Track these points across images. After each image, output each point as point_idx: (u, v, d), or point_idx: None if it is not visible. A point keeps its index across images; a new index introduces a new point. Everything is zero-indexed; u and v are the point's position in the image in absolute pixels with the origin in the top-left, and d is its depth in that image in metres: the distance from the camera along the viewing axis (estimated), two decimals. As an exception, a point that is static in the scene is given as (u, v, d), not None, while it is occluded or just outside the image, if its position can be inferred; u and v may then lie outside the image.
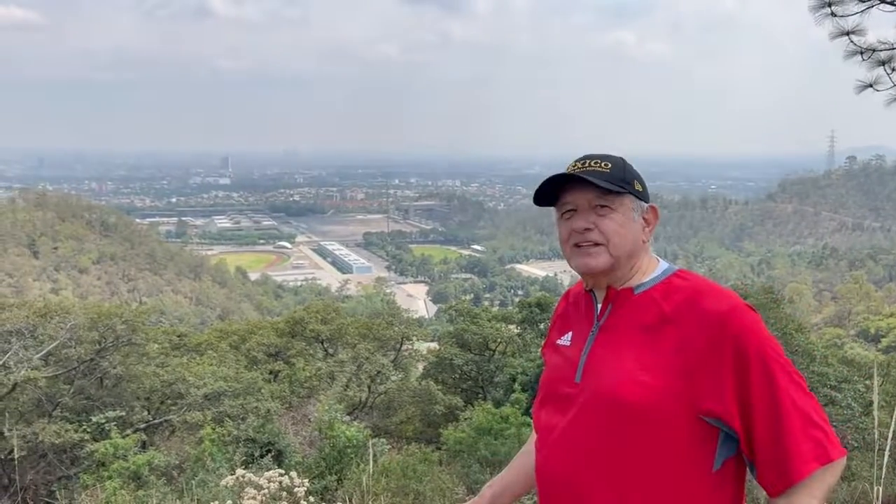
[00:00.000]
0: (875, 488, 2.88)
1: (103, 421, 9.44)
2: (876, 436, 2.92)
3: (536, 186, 1.65)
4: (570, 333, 1.70)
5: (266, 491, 3.09)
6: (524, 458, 1.95)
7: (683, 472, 1.47)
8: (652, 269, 1.63)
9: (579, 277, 1.74)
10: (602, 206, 1.58)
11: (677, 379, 1.46)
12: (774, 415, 1.43)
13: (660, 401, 1.46)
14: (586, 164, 1.60)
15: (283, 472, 3.26)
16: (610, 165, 1.60)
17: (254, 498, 3.02)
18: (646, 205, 1.64)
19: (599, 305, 1.65)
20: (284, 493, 3.16)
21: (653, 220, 1.65)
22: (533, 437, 1.93)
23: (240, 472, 3.32)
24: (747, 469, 1.54)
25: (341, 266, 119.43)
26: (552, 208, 1.68)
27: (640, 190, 1.63)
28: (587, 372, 1.58)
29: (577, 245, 1.61)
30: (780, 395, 1.44)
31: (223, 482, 3.25)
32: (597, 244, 1.58)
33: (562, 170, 1.65)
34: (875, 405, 3.03)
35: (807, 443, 1.43)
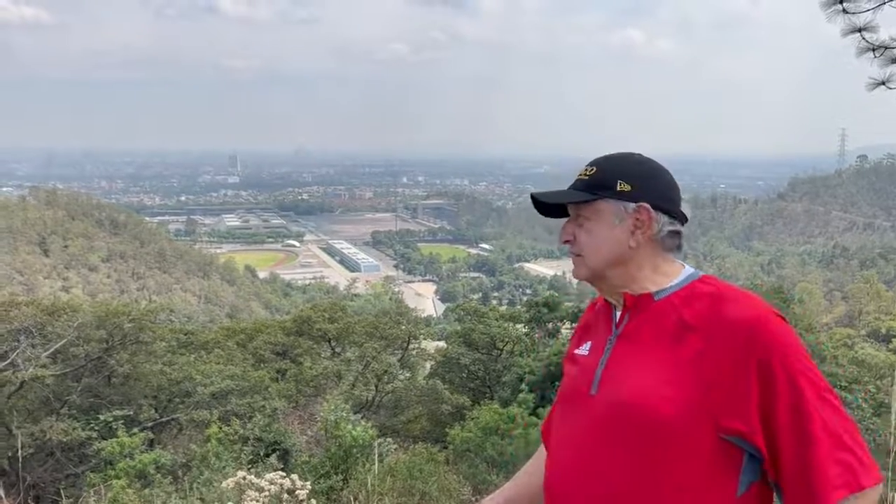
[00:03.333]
0: (889, 494, 2.81)
1: (111, 419, 9.45)
2: (892, 441, 2.85)
3: (545, 186, 1.62)
4: (589, 343, 1.61)
5: (267, 493, 3.06)
6: (528, 478, 1.85)
7: (704, 496, 1.35)
8: (675, 273, 1.52)
9: None
10: (579, 216, 1.55)
11: (696, 391, 1.35)
12: (801, 434, 1.31)
13: (680, 415, 1.35)
14: (581, 172, 1.57)
15: (284, 473, 3.21)
16: (594, 170, 1.54)
17: (255, 500, 2.98)
18: (632, 205, 1.48)
19: (618, 313, 1.55)
20: (286, 496, 3.12)
21: (647, 220, 1.49)
22: (541, 451, 1.85)
23: (241, 473, 3.28)
24: (774, 496, 1.41)
25: (349, 264, 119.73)
26: None
27: (628, 190, 1.49)
28: (604, 382, 1.48)
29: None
30: (807, 412, 1.32)
31: (223, 484, 3.21)
32: (578, 255, 1.55)
33: (568, 167, 1.59)
34: (893, 409, 2.95)
35: (834, 467, 1.30)
